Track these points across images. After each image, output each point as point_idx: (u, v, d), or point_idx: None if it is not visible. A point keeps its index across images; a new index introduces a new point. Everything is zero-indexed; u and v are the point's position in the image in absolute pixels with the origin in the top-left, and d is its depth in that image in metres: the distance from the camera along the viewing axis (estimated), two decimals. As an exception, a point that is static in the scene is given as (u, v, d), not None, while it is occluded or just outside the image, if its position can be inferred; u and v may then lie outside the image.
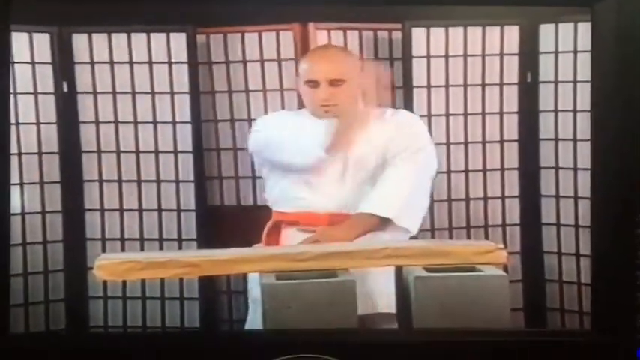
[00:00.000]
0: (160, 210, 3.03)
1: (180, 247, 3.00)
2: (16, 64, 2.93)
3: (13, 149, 2.91)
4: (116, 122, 3.02)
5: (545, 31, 3.01)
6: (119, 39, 3.01)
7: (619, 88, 2.06)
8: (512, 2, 2.40)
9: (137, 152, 3.03)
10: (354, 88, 2.51)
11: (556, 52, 3.00)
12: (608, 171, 2.09)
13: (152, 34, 3.01)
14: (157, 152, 3.03)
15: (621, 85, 2.06)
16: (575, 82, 2.96)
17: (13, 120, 2.90)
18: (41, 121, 2.98)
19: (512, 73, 3.04)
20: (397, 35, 3.06)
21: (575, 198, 3.00)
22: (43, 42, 2.98)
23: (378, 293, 2.40)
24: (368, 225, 2.37)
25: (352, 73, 2.51)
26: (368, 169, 2.49)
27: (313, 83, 2.48)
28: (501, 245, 2.20)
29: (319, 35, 3.03)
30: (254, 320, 2.50)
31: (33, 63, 2.97)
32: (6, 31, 2.08)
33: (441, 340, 2.08)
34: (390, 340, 2.19)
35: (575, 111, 2.97)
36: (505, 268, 2.18)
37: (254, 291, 2.47)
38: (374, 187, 2.45)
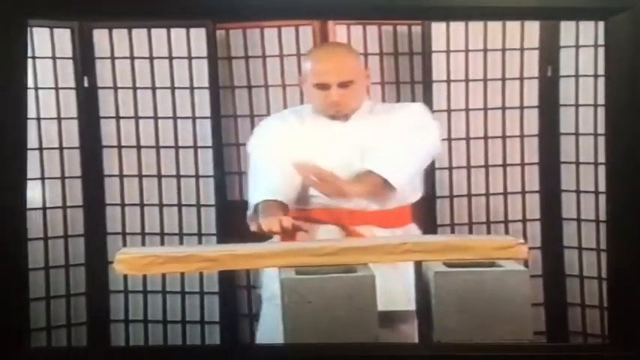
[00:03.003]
0: (180, 205, 3.04)
1: (200, 242, 3.01)
2: (37, 59, 2.96)
3: (35, 144, 2.93)
4: (136, 117, 3.04)
5: (566, 25, 2.99)
6: (139, 34, 3.03)
7: (634, 102, 2.04)
8: (529, 18, 2.38)
9: (157, 147, 3.04)
10: (361, 87, 2.52)
11: (577, 47, 2.98)
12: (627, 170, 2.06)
13: (172, 30, 3.02)
14: (176, 147, 3.04)
15: (636, 98, 2.04)
16: (595, 76, 2.94)
17: (34, 115, 2.93)
18: (62, 116, 3.00)
19: (532, 67, 3.03)
20: (417, 29, 3.06)
21: (597, 192, 2.99)
22: (64, 37, 3.00)
23: (398, 290, 2.40)
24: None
25: (359, 72, 2.51)
26: None
27: (323, 86, 2.47)
28: (522, 240, 2.17)
29: (339, 30, 3.03)
30: (268, 317, 2.50)
31: (54, 58, 2.99)
32: (23, 28, 2.06)
33: (462, 355, 2.06)
34: (409, 355, 2.18)
35: (595, 105, 2.95)
36: (526, 263, 2.16)
37: (270, 287, 2.47)
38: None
